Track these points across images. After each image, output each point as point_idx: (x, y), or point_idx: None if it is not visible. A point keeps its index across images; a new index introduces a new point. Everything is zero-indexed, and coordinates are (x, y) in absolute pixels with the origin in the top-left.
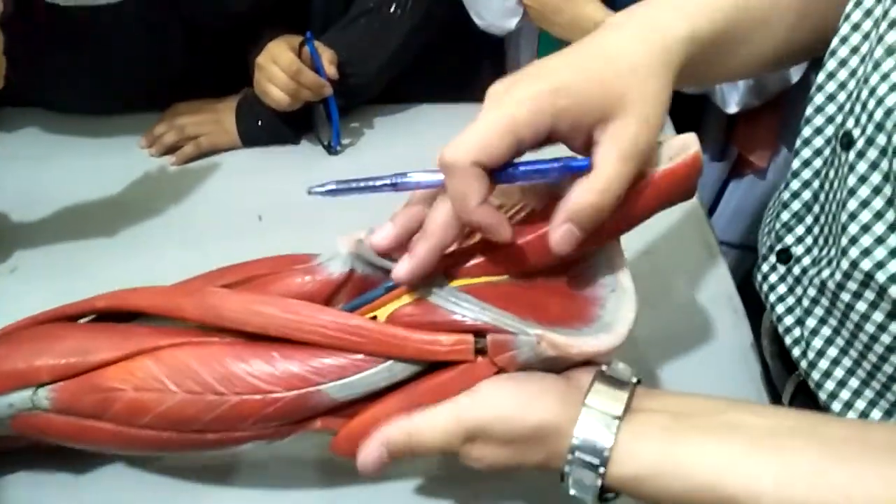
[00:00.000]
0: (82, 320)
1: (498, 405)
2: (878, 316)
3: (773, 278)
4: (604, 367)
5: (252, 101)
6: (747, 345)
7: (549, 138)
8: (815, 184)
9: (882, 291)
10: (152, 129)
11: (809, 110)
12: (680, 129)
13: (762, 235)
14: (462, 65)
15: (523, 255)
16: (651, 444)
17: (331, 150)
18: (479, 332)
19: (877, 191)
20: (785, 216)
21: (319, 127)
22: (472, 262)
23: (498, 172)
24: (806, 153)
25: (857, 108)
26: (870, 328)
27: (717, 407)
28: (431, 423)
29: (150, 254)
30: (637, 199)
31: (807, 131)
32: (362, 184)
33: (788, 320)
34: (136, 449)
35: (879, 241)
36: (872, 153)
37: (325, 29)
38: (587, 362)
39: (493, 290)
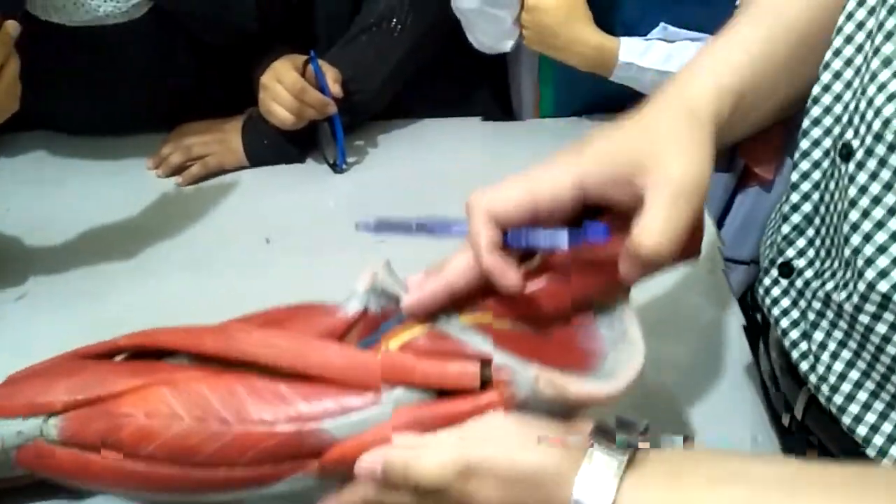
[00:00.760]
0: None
1: (500, 441)
2: (882, 326)
3: (775, 292)
4: (609, 417)
5: (257, 121)
6: (747, 362)
7: (590, 207)
8: (815, 196)
9: (886, 301)
10: (159, 150)
11: (806, 122)
12: None
13: (763, 249)
14: (465, 79)
15: (530, 304)
16: (654, 493)
17: (336, 168)
18: (485, 362)
19: (876, 201)
20: (785, 229)
21: (324, 145)
22: (482, 304)
23: (512, 234)
24: (804, 165)
25: (856, 120)
26: (875, 338)
27: (722, 455)
28: (431, 449)
29: (158, 277)
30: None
31: (804, 144)
32: (402, 225)
33: (794, 334)
34: (133, 487)
35: (881, 250)
36: (871, 163)
37: (328, 48)
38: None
39: (498, 333)
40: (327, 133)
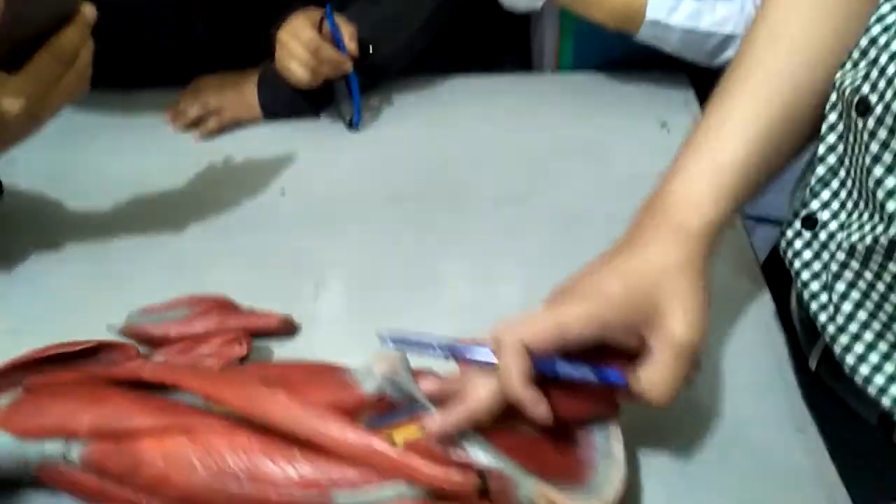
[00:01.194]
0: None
1: None
2: None
3: (798, 245)
4: None
5: (273, 75)
6: (771, 316)
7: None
8: (840, 148)
9: None
10: (176, 104)
11: (839, 73)
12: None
13: (788, 203)
14: (485, 39)
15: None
16: None
17: (352, 126)
18: (483, 474)
19: None
20: (811, 181)
21: (341, 103)
22: None
23: (540, 363)
24: (832, 117)
25: (874, 73)
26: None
27: None
28: None
29: (174, 230)
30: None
31: (833, 96)
32: (423, 344)
33: (815, 286)
34: None
35: None
36: (889, 119)
37: (345, 3)
38: None
39: (504, 438)
40: (344, 91)
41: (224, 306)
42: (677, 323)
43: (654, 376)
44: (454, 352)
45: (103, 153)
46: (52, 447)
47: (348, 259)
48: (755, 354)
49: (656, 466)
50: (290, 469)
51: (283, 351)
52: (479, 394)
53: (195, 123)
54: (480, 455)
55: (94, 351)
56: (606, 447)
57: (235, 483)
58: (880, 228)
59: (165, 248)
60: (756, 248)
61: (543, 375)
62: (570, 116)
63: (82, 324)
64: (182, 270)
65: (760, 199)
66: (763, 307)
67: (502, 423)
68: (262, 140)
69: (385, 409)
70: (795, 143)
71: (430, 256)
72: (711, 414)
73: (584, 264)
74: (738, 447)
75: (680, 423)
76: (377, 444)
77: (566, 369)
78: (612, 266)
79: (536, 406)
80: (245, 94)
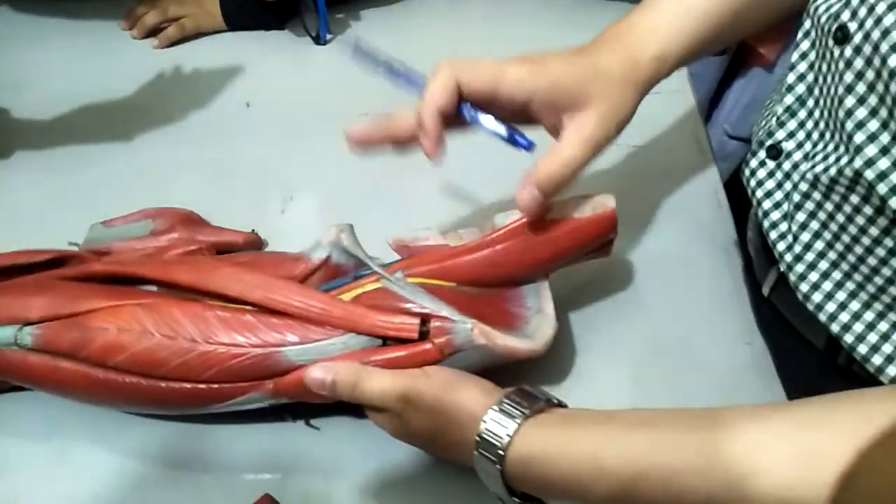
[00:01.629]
0: None
1: (434, 380)
2: (865, 212)
3: (761, 174)
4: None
5: None
6: (730, 239)
7: (526, 114)
8: (810, 77)
9: (870, 191)
10: (133, 9)
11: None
12: None
13: (756, 130)
14: None
15: (470, 269)
16: (542, 431)
17: (318, 40)
18: (425, 319)
19: (871, 87)
20: (778, 110)
21: (305, 16)
22: (427, 267)
23: (464, 106)
24: (804, 45)
25: (855, 1)
26: (855, 226)
27: (611, 410)
28: (379, 375)
29: (138, 141)
30: (564, 238)
31: (807, 23)
32: (380, 62)
33: (775, 215)
34: (100, 396)
35: (871, 138)
36: (868, 49)
37: None
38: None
39: (440, 291)
40: (309, 3)
41: (188, 220)
42: (593, 116)
43: (558, 154)
44: (398, 74)
45: (57, 61)
46: (3, 334)
47: (316, 174)
48: (713, 272)
49: (602, 362)
50: (242, 330)
51: None
52: (403, 113)
53: (154, 32)
54: (420, 300)
55: (55, 263)
56: (538, 305)
57: (188, 342)
58: (845, 160)
59: (126, 160)
60: (723, 169)
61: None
62: (548, 28)
63: (41, 238)
64: (144, 182)
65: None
66: (724, 228)
67: (441, 280)
68: (226, 51)
69: (332, 277)
70: (767, 11)
71: (399, 172)
72: (663, 322)
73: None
74: (687, 355)
75: (630, 329)
76: (322, 298)
77: (484, 120)
78: (560, 55)
79: (431, 137)
80: (207, 2)
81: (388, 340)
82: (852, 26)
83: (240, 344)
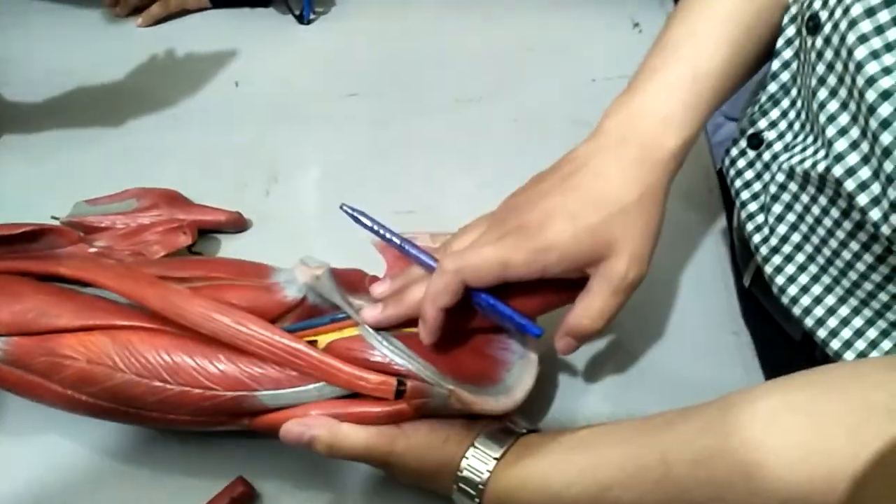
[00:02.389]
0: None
1: (412, 442)
2: (835, 212)
3: (741, 163)
4: (505, 421)
5: None
6: (720, 226)
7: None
8: (795, 65)
9: (837, 186)
10: None
11: None
12: None
13: (740, 118)
14: None
15: (455, 316)
16: (508, 471)
17: (302, 20)
18: (402, 377)
19: (841, 79)
20: (762, 98)
21: None
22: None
23: (476, 298)
24: (790, 31)
25: None
26: (830, 219)
27: (560, 432)
28: (355, 435)
29: (126, 122)
30: (558, 295)
31: (794, 7)
32: (377, 227)
33: (752, 206)
34: (79, 412)
35: (842, 132)
36: (836, 39)
37: None
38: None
39: (418, 341)
40: None
41: (172, 199)
42: (622, 262)
43: (589, 308)
44: (406, 246)
45: (42, 41)
46: None
47: (302, 155)
48: (701, 258)
49: (586, 345)
50: (212, 368)
51: (231, 245)
52: (417, 297)
53: (138, 10)
54: (398, 359)
55: (33, 236)
56: (522, 349)
57: (161, 383)
58: (821, 154)
59: (112, 140)
60: (719, 154)
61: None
62: (536, 12)
63: (25, 215)
64: (129, 163)
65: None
66: (714, 215)
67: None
68: (211, 30)
69: (307, 315)
70: (764, 50)
71: (385, 154)
72: (649, 307)
73: (542, 169)
74: (672, 344)
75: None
76: (298, 345)
77: (491, 308)
78: (565, 195)
79: (431, 335)
80: None
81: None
82: (823, 15)
83: (211, 386)
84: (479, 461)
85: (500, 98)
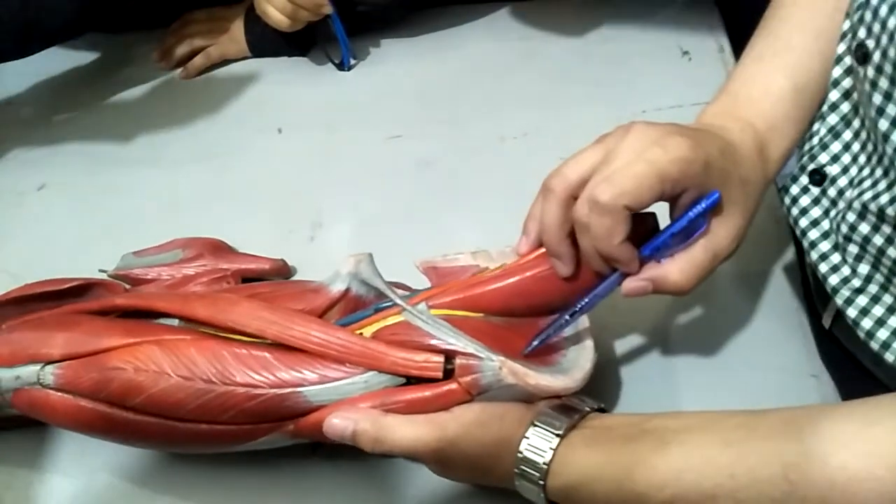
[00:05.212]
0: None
1: (464, 422)
2: None
3: (804, 201)
4: (565, 399)
5: None
6: (789, 259)
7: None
8: (856, 95)
9: None
10: (163, 42)
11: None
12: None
13: (799, 155)
14: None
15: (498, 298)
16: (578, 455)
17: (342, 66)
18: (450, 356)
19: None
20: (822, 131)
21: (327, 45)
22: (453, 297)
23: (646, 246)
24: (848, 60)
25: (868, 16)
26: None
27: (644, 417)
28: (403, 426)
29: (173, 169)
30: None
31: (847, 37)
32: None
33: (824, 246)
34: (121, 435)
35: None
36: (889, 67)
37: None
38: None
39: (467, 323)
40: (328, 32)
41: (217, 248)
42: (728, 234)
43: (688, 270)
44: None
45: (90, 89)
46: (26, 372)
47: (345, 200)
48: (771, 295)
49: (650, 394)
50: (259, 369)
51: None
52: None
53: (181, 62)
54: (445, 336)
55: (81, 290)
56: (576, 335)
57: (205, 384)
58: (888, 187)
59: (157, 189)
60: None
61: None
62: (579, 43)
63: (73, 268)
64: (177, 210)
65: None
66: (782, 247)
67: (468, 311)
68: (252, 78)
69: (352, 309)
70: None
71: (430, 195)
72: (718, 350)
73: None
74: (744, 387)
75: (681, 358)
76: (342, 334)
77: (673, 234)
78: (707, 133)
79: (634, 262)
80: (232, 30)
81: (411, 379)
82: (870, 44)
83: (257, 384)
84: (540, 439)
85: (545, 134)
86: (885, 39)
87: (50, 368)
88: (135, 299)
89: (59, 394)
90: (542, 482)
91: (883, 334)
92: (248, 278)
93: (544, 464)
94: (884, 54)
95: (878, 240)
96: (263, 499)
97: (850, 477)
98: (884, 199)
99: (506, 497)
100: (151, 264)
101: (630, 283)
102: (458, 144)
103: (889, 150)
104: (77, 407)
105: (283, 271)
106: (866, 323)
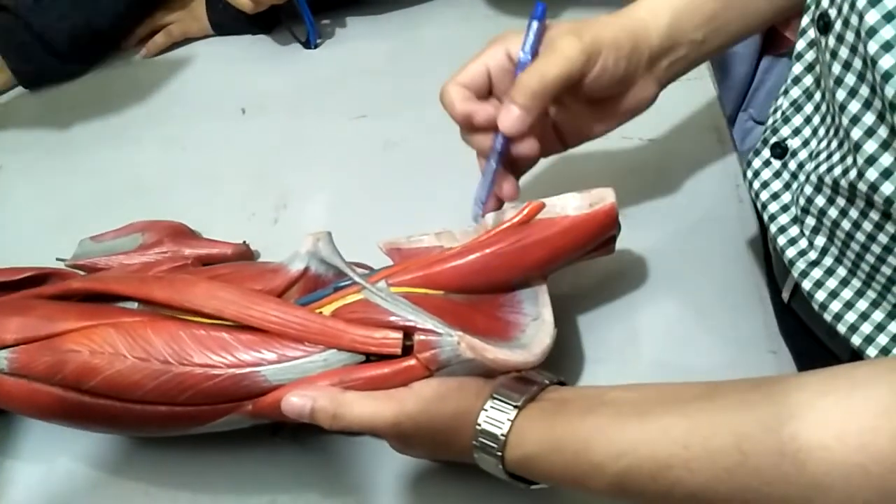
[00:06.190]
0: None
1: (423, 396)
2: (873, 217)
3: (765, 175)
4: (524, 372)
5: None
6: (751, 237)
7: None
8: (818, 68)
9: (872, 191)
10: None
11: None
12: None
13: (763, 129)
14: None
15: (458, 275)
16: (536, 426)
17: (308, 45)
18: (409, 333)
19: (861, 77)
20: (784, 104)
21: (291, 24)
22: (413, 275)
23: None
24: (812, 33)
25: None
26: (863, 233)
27: (603, 390)
28: (361, 402)
29: (133, 150)
30: (560, 237)
31: (811, 8)
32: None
33: (783, 219)
34: (78, 420)
35: (870, 133)
36: (850, 35)
37: None
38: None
39: (427, 301)
40: (294, 10)
41: (178, 233)
42: (572, 46)
43: (540, 68)
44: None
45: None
46: None
47: (311, 181)
48: (732, 273)
49: (610, 371)
50: (217, 349)
51: None
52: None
53: (142, 40)
54: (404, 313)
55: (38, 280)
56: (535, 311)
57: (162, 364)
58: (850, 160)
59: (117, 171)
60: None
61: None
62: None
63: (31, 254)
64: (138, 193)
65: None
66: (745, 226)
67: (427, 289)
68: (216, 57)
69: (311, 288)
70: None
71: (396, 176)
72: (677, 328)
73: (561, 182)
74: (703, 364)
75: (641, 335)
76: (301, 313)
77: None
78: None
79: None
80: (194, 8)
81: (370, 356)
82: (832, 13)
83: (215, 364)
84: (498, 411)
85: None
86: (846, 7)
87: (4, 353)
88: (92, 282)
89: (14, 378)
90: (500, 454)
91: (836, 306)
92: (209, 263)
93: (502, 435)
94: (845, 23)
95: (832, 212)
96: (228, 482)
97: (799, 447)
98: (837, 170)
99: (466, 473)
100: (111, 251)
101: (500, 119)
102: (424, 124)
103: (845, 121)
104: (32, 390)
105: (245, 255)
106: (820, 295)
